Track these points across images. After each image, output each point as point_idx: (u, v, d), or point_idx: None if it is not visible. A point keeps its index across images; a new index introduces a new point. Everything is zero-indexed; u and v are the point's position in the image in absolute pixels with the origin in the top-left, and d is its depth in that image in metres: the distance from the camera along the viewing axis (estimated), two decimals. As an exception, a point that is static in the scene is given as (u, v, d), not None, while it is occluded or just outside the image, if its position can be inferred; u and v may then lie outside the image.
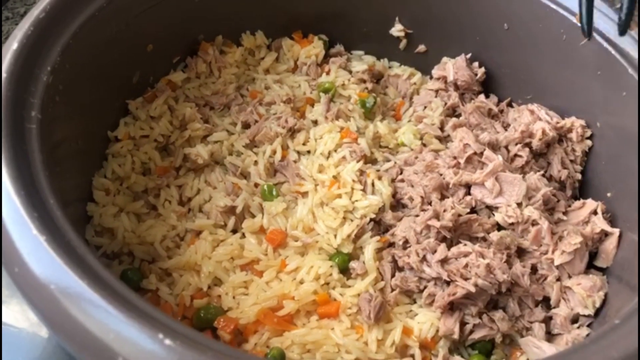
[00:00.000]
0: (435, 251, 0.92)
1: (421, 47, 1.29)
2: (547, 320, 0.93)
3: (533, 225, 0.95)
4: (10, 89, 0.76)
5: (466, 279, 0.89)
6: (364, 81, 1.23)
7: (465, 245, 0.93)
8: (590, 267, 0.97)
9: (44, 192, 0.69)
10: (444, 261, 0.92)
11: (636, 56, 0.94)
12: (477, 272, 0.88)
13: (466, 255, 0.90)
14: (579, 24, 0.99)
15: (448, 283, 0.91)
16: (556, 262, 0.93)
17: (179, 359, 0.56)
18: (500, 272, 0.89)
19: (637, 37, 0.96)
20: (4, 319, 0.90)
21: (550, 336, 0.92)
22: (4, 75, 0.76)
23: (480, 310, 0.90)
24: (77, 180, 0.92)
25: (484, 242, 0.96)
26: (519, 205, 0.97)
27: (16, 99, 0.76)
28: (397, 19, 1.26)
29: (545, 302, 0.95)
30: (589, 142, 1.06)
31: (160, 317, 0.59)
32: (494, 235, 0.93)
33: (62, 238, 0.65)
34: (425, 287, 0.94)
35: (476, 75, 1.22)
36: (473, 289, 0.87)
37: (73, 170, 0.89)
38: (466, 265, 0.89)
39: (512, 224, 0.96)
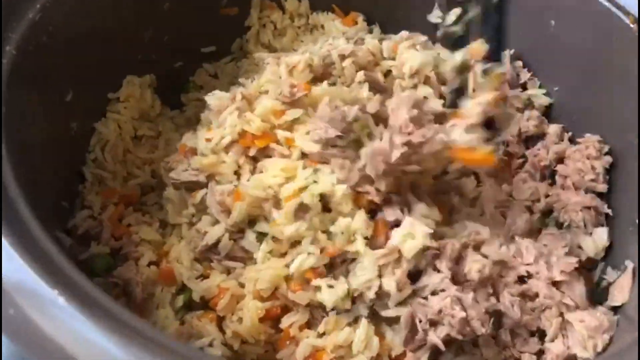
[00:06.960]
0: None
1: (459, 36, 1.19)
2: (541, 354, 0.82)
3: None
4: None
5: (437, 325, 0.75)
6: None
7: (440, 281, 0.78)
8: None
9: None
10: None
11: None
12: (451, 323, 0.74)
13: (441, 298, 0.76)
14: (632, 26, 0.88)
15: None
16: (555, 278, 0.82)
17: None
18: (479, 324, 0.75)
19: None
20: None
21: (538, 371, 0.81)
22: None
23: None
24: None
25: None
26: None
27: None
28: (436, 4, 1.17)
29: (542, 332, 0.83)
30: (608, 159, 0.95)
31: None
32: (475, 275, 0.79)
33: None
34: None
35: (518, 75, 1.12)
36: (442, 347, 0.74)
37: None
38: (439, 312, 0.75)
39: None
